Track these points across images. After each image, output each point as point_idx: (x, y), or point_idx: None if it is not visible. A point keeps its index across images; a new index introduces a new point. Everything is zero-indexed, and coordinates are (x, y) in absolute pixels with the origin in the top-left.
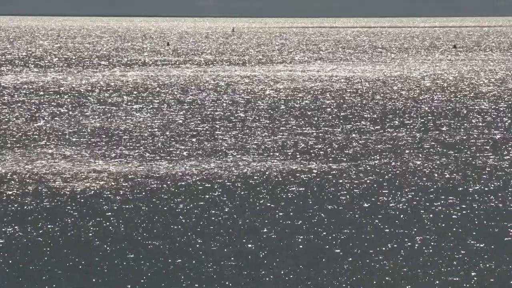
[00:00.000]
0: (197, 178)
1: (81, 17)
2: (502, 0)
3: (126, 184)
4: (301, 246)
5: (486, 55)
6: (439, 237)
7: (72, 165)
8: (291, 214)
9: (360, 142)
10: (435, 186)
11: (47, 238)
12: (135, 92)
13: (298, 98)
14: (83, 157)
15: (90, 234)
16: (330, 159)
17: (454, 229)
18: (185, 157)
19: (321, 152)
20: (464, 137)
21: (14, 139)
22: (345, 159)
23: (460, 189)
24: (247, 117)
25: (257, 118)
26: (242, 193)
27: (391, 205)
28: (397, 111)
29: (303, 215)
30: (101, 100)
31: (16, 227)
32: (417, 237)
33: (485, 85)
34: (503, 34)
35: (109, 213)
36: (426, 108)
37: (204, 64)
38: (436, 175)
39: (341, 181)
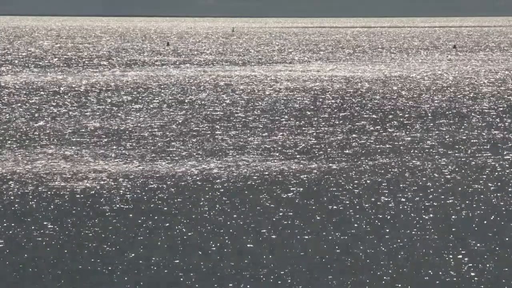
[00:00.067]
0: (197, 178)
1: (81, 17)
2: (502, 0)
3: (126, 184)
4: (301, 246)
5: (486, 55)
6: (439, 237)
7: (72, 165)
8: (291, 214)
9: (360, 142)
10: (435, 186)
11: (47, 238)
12: (135, 92)
13: (298, 98)
14: (83, 157)
15: (90, 234)
16: (330, 159)
17: (454, 229)
18: (185, 157)
19: (321, 152)
20: (464, 137)
21: (14, 139)
22: (345, 159)
23: (460, 189)
24: (247, 117)
25: (257, 118)
26: (242, 193)
27: (391, 205)
28: (397, 111)
29: (303, 215)
30: (101, 100)
31: (16, 227)
32: (417, 237)
33: (485, 85)
34: (503, 34)
35: (109, 213)
36: (426, 108)
37: (204, 64)
38: (436, 175)
39: (341, 181)
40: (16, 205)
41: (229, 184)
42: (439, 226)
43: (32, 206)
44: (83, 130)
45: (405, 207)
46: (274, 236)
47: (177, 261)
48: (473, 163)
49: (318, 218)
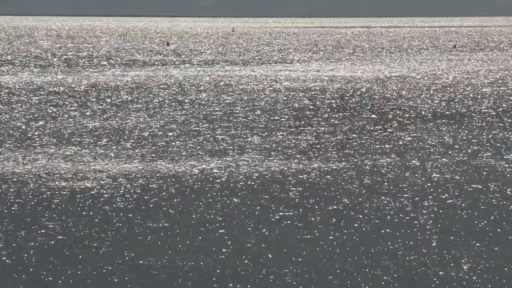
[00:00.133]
0: (197, 178)
1: (81, 17)
2: (502, 0)
3: (126, 184)
4: (301, 246)
5: (486, 55)
6: (439, 237)
7: (72, 165)
8: (291, 214)
9: (360, 142)
10: (435, 186)
11: (47, 238)
12: (135, 92)
13: (298, 98)
14: (83, 157)
15: (90, 234)
16: (330, 159)
17: (454, 229)
18: (185, 157)
19: (321, 152)
20: (464, 137)
21: (14, 139)
22: (345, 159)
23: (460, 189)
24: (247, 117)
25: (257, 118)
26: (242, 193)
27: (391, 205)
28: (397, 111)
29: (303, 215)
30: (101, 100)
31: (15, 227)
32: (417, 237)
33: (485, 85)
34: (503, 34)
35: (109, 213)
36: (426, 108)
37: (204, 64)
38: (436, 175)
39: (341, 181)
40: (16, 205)
41: (229, 184)
42: (439, 226)
43: (32, 206)
44: (83, 130)
45: (405, 207)
46: (274, 236)
47: (177, 261)
48: (473, 163)
49: (318, 218)
